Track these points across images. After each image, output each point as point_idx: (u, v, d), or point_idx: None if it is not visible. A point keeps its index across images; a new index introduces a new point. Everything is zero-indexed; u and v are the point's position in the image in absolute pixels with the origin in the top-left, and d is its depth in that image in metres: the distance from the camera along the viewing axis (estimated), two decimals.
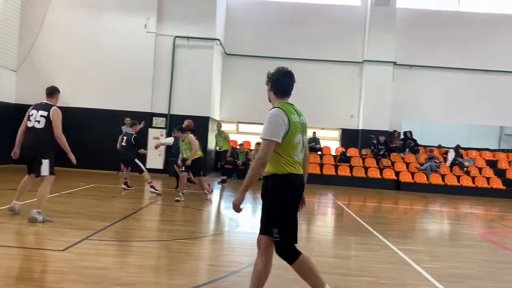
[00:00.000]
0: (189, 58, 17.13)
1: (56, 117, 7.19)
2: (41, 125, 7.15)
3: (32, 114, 7.25)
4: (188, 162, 10.74)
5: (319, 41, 19.53)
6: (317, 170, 17.98)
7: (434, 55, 19.46)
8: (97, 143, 16.36)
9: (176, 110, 17.02)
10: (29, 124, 7.22)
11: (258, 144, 17.69)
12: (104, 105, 16.68)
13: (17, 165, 16.47)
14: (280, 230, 3.70)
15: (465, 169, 17.90)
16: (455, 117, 19.49)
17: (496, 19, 19.56)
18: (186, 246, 6.48)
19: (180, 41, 17.15)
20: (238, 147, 18.10)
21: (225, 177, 15.11)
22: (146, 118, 16.72)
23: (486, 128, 20.62)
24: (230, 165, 16.95)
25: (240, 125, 20.24)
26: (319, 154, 18.86)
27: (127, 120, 16.42)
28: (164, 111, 17.11)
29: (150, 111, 17.01)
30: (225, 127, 20.29)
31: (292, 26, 19.60)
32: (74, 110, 16.40)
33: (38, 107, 7.31)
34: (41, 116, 7.17)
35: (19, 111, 17.03)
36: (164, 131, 16.94)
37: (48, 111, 7.20)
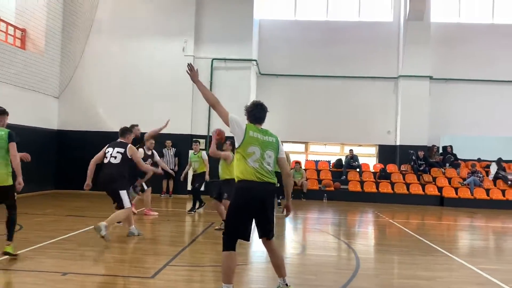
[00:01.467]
0: (227, 79, 17.28)
1: (134, 153, 7.95)
2: (117, 161, 7.82)
3: (109, 151, 7.94)
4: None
5: (352, 58, 19.54)
6: (357, 188, 17.81)
7: (470, 68, 19.31)
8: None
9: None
10: (105, 160, 7.90)
11: (296, 162, 17.64)
12: (144, 129, 16.79)
13: (60, 190, 16.74)
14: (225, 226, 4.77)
15: (509, 182, 17.56)
16: (494, 129, 19.20)
17: None
18: (265, 271, 6.42)
19: (217, 63, 17.34)
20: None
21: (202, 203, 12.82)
22: (186, 140, 16.86)
23: None
24: None
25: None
26: (358, 172, 18.69)
27: (168, 142, 16.59)
28: (204, 132, 17.21)
29: (190, 133, 17.12)
30: None
31: (324, 44, 19.67)
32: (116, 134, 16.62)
33: (114, 145, 8.05)
34: (118, 152, 7.89)
35: (61, 136, 17.44)
36: (203, 152, 16.96)
37: (125, 148, 7.93)
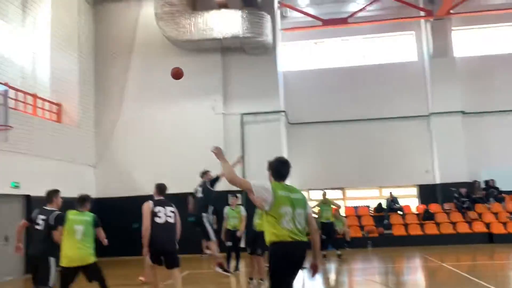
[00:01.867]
0: (258, 133, 17.42)
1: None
2: (173, 220, 7.53)
3: (159, 211, 7.49)
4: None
5: (380, 100, 19.46)
6: (402, 231, 17.26)
7: (501, 98, 18.95)
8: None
9: None
10: (160, 220, 7.46)
11: (336, 210, 17.23)
12: (180, 189, 16.86)
13: (103, 258, 16.68)
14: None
15: None
16: None
17: None
18: None
19: (247, 117, 17.56)
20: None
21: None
22: (221, 197, 16.78)
23: None
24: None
25: (311, 191, 19.96)
26: (401, 214, 18.17)
27: None
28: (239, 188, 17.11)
29: (225, 189, 17.06)
30: None
31: (349, 89, 19.71)
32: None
33: (161, 203, 7.60)
34: (171, 211, 7.60)
35: (101, 204, 17.57)
36: (242, 208, 16.87)
37: (173, 206, 7.63)
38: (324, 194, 14.33)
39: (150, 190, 14.82)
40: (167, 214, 7.49)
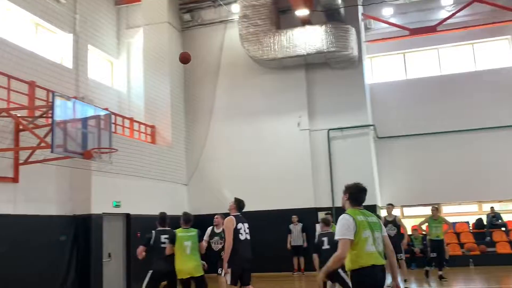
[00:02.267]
0: (345, 148, 17.10)
1: None
2: (249, 237, 7.93)
3: (241, 227, 7.79)
4: None
5: (474, 109, 18.26)
6: (507, 249, 16.00)
7: None
8: (266, 245, 16.48)
9: (340, 202, 16.69)
10: (242, 237, 7.77)
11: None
12: (268, 206, 16.94)
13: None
14: None
15: None
16: None
17: None
18: None
19: (334, 133, 17.31)
20: (411, 232, 16.77)
21: None
22: (311, 214, 16.65)
23: None
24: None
25: (404, 209, 19.15)
26: (504, 231, 16.87)
27: (294, 218, 16.45)
28: (328, 204, 16.89)
29: (314, 206, 16.91)
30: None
31: (441, 99, 18.74)
32: (245, 214, 16.94)
33: (241, 220, 7.98)
34: (247, 228, 8.00)
35: (194, 221, 18.11)
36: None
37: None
38: (435, 210, 13.23)
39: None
40: (245, 231, 7.85)
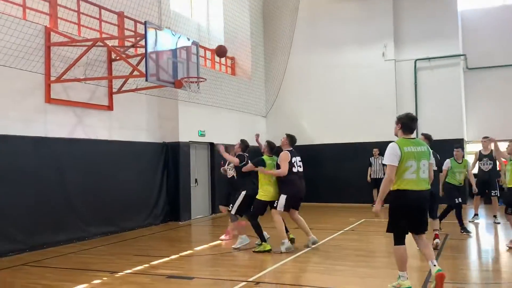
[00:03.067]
0: (433, 80, 16.23)
1: None
2: (301, 169, 8.35)
3: (295, 161, 8.22)
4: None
5: None
6: None
7: None
8: (346, 177, 16.51)
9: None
10: (295, 170, 8.17)
11: None
12: (349, 139, 16.76)
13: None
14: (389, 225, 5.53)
15: None
16: None
17: None
18: None
19: (421, 63, 16.42)
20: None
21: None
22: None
23: None
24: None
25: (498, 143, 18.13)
26: None
27: (375, 151, 16.18)
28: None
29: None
30: (475, 147, 18.57)
31: None
32: (321, 147, 16.94)
33: (294, 153, 8.31)
34: (300, 161, 8.35)
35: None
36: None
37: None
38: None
39: (318, 138, 14.90)
40: (298, 164, 8.20)
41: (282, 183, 8.07)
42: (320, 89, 17.52)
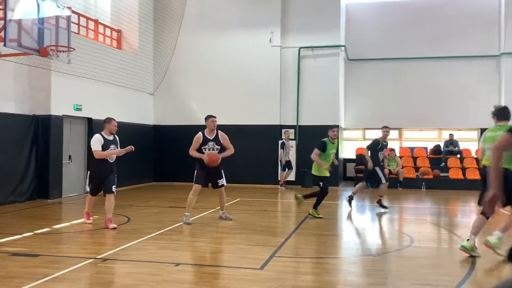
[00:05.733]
0: (315, 68, 16.97)
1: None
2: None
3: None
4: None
5: (447, 37, 18.31)
6: (459, 175, 16.75)
7: None
8: (236, 158, 16.66)
9: (304, 121, 16.92)
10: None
11: (391, 150, 16.76)
12: (235, 121, 16.96)
13: (158, 183, 17.48)
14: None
15: None
16: None
17: None
18: (377, 263, 6.14)
19: (305, 51, 17.06)
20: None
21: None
22: (275, 131, 16.86)
23: None
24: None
25: (366, 131, 19.57)
26: (459, 158, 17.57)
27: (288, 133, 16.45)
28: (293, 122, 17.06)
29: (279, 124, 17.06)
30: (350, 134, 19.87)
31: (415, 25, 18.65)
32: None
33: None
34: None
35: (158, 131, 18.16)
36: (294, 143, 16.89)
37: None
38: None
39: (203, 120, 14.98)
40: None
41: None
42: (210, 71, 17.49)
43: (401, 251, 6.93)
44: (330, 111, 16.68)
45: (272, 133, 16.92)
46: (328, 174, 9.50)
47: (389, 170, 15.53)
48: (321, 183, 9.43)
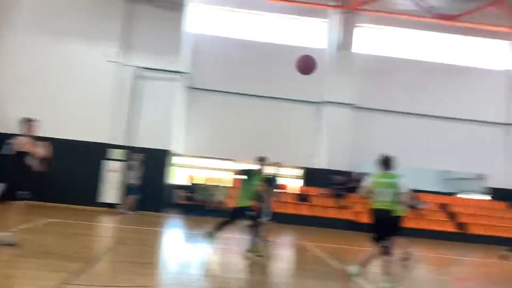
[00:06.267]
0: (151, 90, 16.63)
1: None
2: None
3: None
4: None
5: (280, 80, 19.61)
6: (279, 209, 17.74)
7: (392, 99, 20.04)
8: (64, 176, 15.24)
9: (135, 142, 16.32)
10: None
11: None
12: (65, 135, 15.53)
13: None
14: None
15: (422, 210, 18.18)
16: (408, 160, 19.81)
17: (443, 68, 20.57)
18: None
19: (142, 72, 16.65)
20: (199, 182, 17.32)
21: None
22: (102, 149, 16.01)
23: (431, 171, 21.04)
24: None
25: (203, 159, 19.84)
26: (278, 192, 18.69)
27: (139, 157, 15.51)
28: (123, 142, 16.33)
29: (106, 142, 16.18)
30: (188, 161, 19.82)
31: (256, 64, 19.74)
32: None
33: None
34: None
35: None
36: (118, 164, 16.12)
37: None
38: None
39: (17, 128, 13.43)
40: None
41: None
42: (35, 77, 16.02)
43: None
44: (161, 135, 16.51)
45: (98, 150, 15.95)
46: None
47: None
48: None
